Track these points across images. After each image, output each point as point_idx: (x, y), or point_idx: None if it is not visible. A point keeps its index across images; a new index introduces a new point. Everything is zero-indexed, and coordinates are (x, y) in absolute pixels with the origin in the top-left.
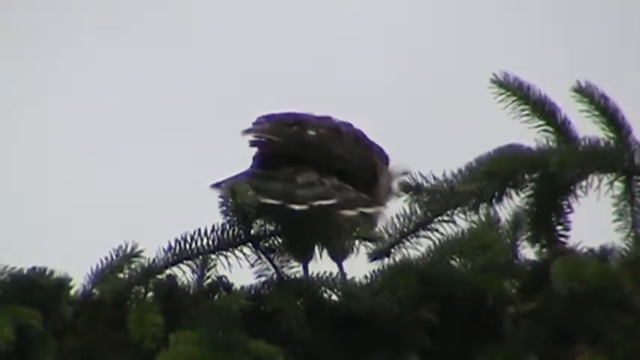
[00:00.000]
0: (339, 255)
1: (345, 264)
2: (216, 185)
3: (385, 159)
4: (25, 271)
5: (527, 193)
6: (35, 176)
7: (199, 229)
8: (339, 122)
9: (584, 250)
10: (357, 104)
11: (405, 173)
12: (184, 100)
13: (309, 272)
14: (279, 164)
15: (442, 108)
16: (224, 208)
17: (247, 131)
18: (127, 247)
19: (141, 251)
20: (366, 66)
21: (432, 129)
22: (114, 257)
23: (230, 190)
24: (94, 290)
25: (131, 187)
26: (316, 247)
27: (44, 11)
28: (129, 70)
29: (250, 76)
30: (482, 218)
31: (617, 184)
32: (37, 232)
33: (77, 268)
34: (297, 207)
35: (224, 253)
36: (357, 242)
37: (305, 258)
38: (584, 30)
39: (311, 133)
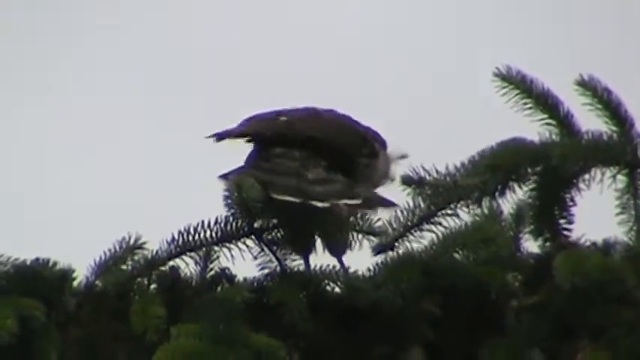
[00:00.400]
0: (337, 250)
1: (346, 257)
2: (224, 176)
3: (382, 142)
4: (28, 263)
5: (530, 187)
6: (35, 176)
7: (202, 221)
8: (321, 109)
9: (587, 243)
10: (358, 104)
11: (403, 157)
12: (184, 100)
13: (311, 265)
14: (278, 156)
15: (442, 107)
16: (228, 201)
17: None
18: (129, 238)
19: (144, 243)
20: (366, 65)
21: (433, 129)
22: (117, 249)
23: (235, 185)
24: (97, 282)
25: (131, 187)
26: (317, 241)
27: (45, 11)
28: (129, 70)
29: (250, 75)
30: (485, 211)
31: (620, 177)
32: (37, 232)
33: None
34: (319, 204)
35: (227, 245)
36: (359, 236)
37: (305, 251)
38: (585, 29)
39: (283, 118)
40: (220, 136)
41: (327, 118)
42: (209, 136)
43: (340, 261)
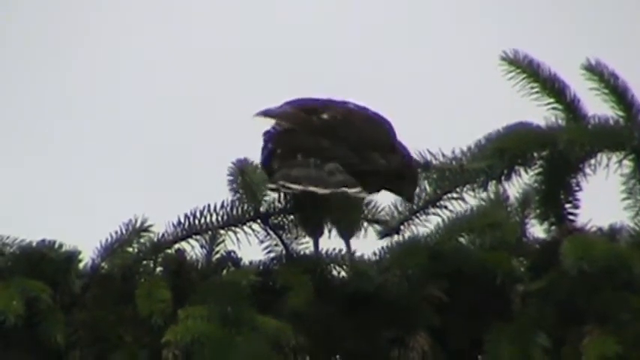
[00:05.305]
0: (347, 233)
1: (353, 241)
2: (262, 114)
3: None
4: (34, 244)
5: (536, 171)
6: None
7: (209, 205)
8: (356, 110)
9: (593, 229)
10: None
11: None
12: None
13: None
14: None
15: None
16: (233, 185)
17: (265, 113)
18: (136, 221)
19: (150, 226)
20: (366, 56)
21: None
22: (123, 231)
23: (239, 169)
24: (103, 264)
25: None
26: (326, 224)
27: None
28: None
29: (251, 73)
30: (492, 196)
31: (626, 162)
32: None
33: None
34: (320, 191)
35: (233, 228)
36: (364, 223)
37: (316, 233)
38: (592, 13)
39: (324, 116)
40: (262, 114)
41: (361, 128)
42: (256, 114)
43: (348, 244)
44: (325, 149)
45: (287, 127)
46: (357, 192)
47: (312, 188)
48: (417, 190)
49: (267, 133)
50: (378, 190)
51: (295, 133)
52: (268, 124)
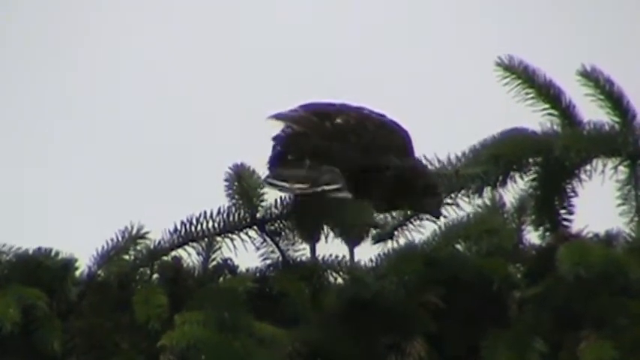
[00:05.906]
0: (352, 240)
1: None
2: (275, 117)
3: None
4: (30, 252)
5: (531, 177)
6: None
7: (205, 212)
8: (373, 116)
9: (590, 235)
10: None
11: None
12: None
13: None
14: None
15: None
16: (229, 191)
17: (277, 117)
18: (132, 228)
19: (146, 233)
20: (366, 56)
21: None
22: (119, 239)
23: (235, 174)
24: (100, 271)
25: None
26: (323, 230)
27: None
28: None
29: (251, 73)
30: (488, 202)
31: (621, 168)
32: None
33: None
34: (299, 191)
35: (230, 235)
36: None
37: (313, 239)
38: (588, 19)
39: (338, 121)
40: (274, 118)
41: (375, 133)
42: (268, 117)
43: (352, 251)
44: (336, 153)
45: (298, 131)
46: (336, 189)
47: (297, 186)
48: (442, 203)
49: (277, 138)
50: (397, 208)
51: (306, 136)
52: (278, 127)
